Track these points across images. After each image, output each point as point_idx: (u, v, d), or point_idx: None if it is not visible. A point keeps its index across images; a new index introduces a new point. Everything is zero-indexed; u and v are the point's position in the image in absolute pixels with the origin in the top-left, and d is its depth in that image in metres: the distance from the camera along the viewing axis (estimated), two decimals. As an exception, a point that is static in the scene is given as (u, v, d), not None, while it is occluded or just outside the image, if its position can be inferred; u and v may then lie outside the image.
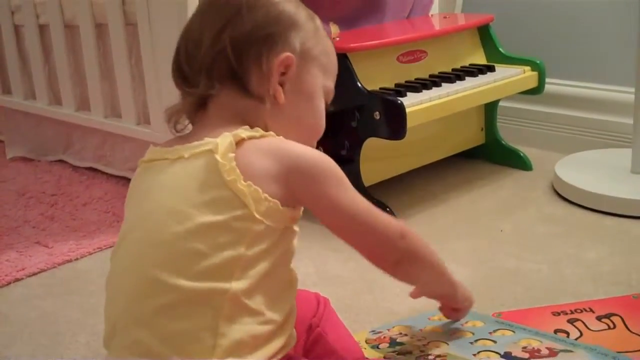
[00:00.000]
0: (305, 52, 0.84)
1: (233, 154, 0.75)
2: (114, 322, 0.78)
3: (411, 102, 1.51)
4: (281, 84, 0.82)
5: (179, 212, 0.75)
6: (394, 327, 1.08)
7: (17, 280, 1.39)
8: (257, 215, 0.74)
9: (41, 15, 1.94)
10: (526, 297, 1.21)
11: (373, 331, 1.07)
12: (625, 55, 1.84)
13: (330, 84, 0.89)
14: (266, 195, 0.75)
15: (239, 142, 0.77)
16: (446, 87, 1.61)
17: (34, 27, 1.97)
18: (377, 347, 1.01)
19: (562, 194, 1.64)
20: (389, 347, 1.00)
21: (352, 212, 0.80)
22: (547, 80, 1.77)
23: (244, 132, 0.78)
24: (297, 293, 0.83)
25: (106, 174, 1.92)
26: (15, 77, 2.11)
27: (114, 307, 0.79)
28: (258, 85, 0.81)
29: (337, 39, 1.58)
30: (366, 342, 1.03)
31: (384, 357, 0.97)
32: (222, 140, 0.76)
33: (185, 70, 0.83)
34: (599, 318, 1.08)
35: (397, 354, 0.97)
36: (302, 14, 0.85)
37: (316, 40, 0.86)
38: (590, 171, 1.68)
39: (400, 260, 0.85)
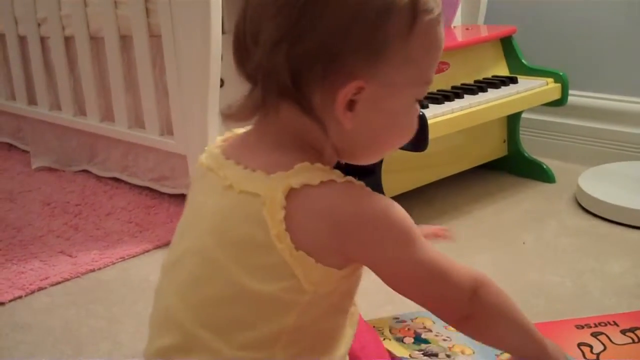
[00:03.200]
0: (394, 60, 0.69)
1: (283, 213, 0.67)
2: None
3: (433, 113, 1.51)
4: (352, 104, 0.69)
5: (225, 267, 0.70)
6: (416, 317, 1.07)
7: (41, 289, 1.40)
8: (307, 286, 0.68)
9: (67, 28, 1.96)
10: (549, 310, 1.20)
11: (397, 319, 1.06)
12: (649, 67, 1.83)
13: (429, 79, 0.74)
14: (320, 264, 0.68)
15: (292, 192, 0.68)
16: (468, 99, 1.61)
17: (59, 39, 1.99)
18: (402, 341, 1.00)
19: (586, 207, 1.63)
20: (414, 343, 1.00)
21: (417, 275, 0.73)
22: (570, 92, 1.76)
23: (298, 176, 0.68)
24: None
25: (130, 184, 1.93)
26: (41, 88, 2.14)
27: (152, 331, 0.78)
28: (321, 106, 0.69)
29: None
30: (390, 331, 1.02)
31: (410, 357, 0.97)
32: (273, 192, 0.67)
33: (244, 61, 0.72)
34: (623, 332, 1.07)
35: (423, 354, 0.97)
36: None
37: (417, 31, 0.69)
38: (614, 184, 1.67)
39: (469, 316, 0.76)
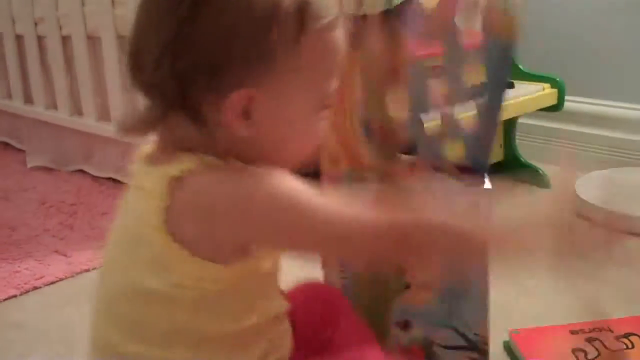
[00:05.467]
0: (282, 69, 0.67)
1: (164, 203, 0.66)
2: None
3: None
4: (247, 112, 0.67)
5: (123, 265, 0.71)
6: None
7: (35, 288, 1.40)
8: (187, 281, 0.67)
9: (64, 27, 1.96)
10: (544, 315, 1.20)
11: None
12: (646, 73, 1.83)
13: (328, 87, 0.71)
14: (197, 257, 0.66)
15: (174, 181, 0.66)
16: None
17: (56, 38, 1.99)
18: None
19: (581, 212, 1.63)
20: None
21: (313, 240, 0.70)
22: (566, 97, 1.76)
23: (179, 164, 0.67)
24: (304, 289, 0.81)
25: (125, 184, 1.93)
26: (38, 87, 2.14)
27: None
28: (212, 116, 0.67)
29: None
30: None
31: None
32: (155, 183, 0.67)
33: (136, 77, 0.70)
34: (617, 337, 1.07)
35: None
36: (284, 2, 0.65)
37: (306, 40, 0.66)
38: (609, 189, 1.67)
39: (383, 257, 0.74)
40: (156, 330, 0.69)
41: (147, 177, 0.69)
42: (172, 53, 0.65)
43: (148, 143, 0.75)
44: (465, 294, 0.94)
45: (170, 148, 0.70)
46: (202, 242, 0.66)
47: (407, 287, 0.97)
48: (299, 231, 0.68)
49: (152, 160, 0.71)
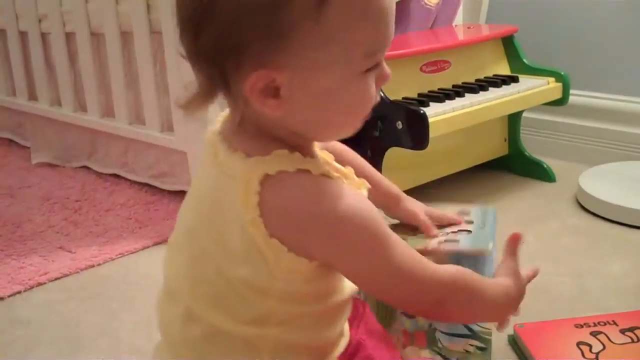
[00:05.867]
0: (305, 43, 0.63)
1: (257, 198, 0.65)
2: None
3: (434, 112, 1.51)
4: (275, 90, 0.65)
5: (210, 250, 0.70)
6: None
7: (39, 284, 1.40)
8: (279, 274, 0.68)
9: (67, 24, 1.96)
10: (549, 310, 1.20)
11: None
12: (651, 67, 1.82)
13: (373, 46, 0.66)
14: (292, 253, 0.67)
15: (267, 178, 0.66)
16: (469, 98, 1.61)
17: (60, 34, 1.99)
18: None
19: (586, 206, 1.63)
20: None
21: (382, 278, 0.71)
22: (571, 91, 1.76)
23: (274, 162, 0.67)
24: None
25: (129, 180, 1.93)
26: (42, 84, 2.14)
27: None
28: (239, 95, 0.66)
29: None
30: None
31: None
32: (248, 176, 0.66)
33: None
34: (622, 331, 1.07)
35: None
36: None
37: (329, 10, 0.62)
38: (614, 183, 1.67)
39: (435, 313, 0.77)
40: (246, 311, 0.70)
41: (236, 166, 0.68)
42: (193, 29, 0.65)
43: (222, 118, 0.75)
44: None
45: (247, 128, 0.70)
46: (291, 239, 0.67)
47: None
48: (368, 265, 0.69)
49: (233, 143, 0.70)
